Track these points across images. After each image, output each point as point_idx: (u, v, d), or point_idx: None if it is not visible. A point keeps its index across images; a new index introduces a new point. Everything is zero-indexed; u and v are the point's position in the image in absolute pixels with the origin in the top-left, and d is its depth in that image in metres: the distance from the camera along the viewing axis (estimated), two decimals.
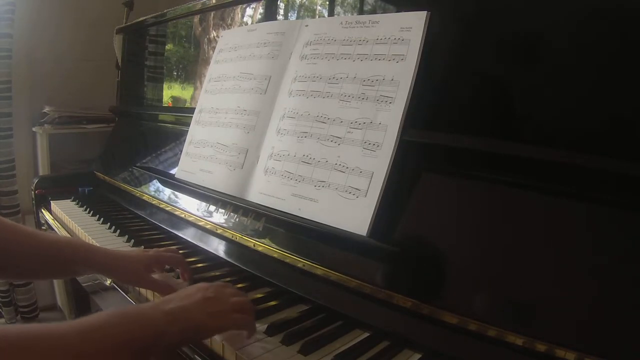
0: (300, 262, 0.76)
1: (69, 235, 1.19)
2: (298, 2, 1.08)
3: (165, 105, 1.54)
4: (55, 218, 1.34)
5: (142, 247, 1.00)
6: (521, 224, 0.60)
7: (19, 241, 0.72)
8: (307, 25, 0.92)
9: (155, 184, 1.23)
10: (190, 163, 1.08)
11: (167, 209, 1.13)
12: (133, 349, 0.52)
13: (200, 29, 1.38)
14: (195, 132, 1.10)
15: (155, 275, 0.82)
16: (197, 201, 1.04)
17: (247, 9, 1.19)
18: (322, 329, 0.67)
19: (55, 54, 2.04)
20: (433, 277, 0.64)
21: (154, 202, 1.19)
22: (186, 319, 0.57)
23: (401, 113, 0.72)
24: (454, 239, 0.65)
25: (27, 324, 0.48)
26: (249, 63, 1.01)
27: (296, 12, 1.08)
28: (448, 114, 0.73)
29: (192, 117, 1.12)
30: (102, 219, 1.21)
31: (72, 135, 2.03)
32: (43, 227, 1.41)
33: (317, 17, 1.01)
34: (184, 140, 1.12)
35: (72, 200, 1.42)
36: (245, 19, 1.21)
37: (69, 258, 0.76)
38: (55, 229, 1.28)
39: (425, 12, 0.73)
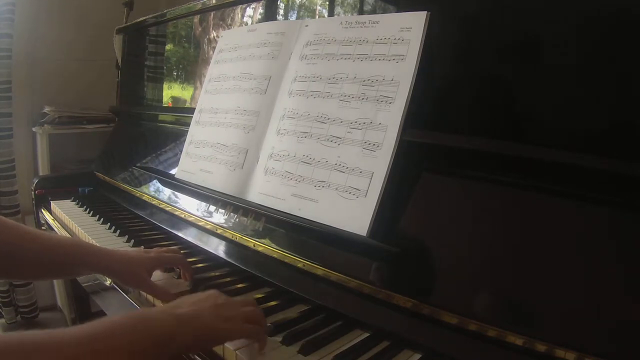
0: (300, 262, 0.76)
1: (69, 236, 1.19)
2: (298, 2, 1.08)
3: (165, 105, 1.54)
4: (55, 218, 1.34)
5: (142, 247, 1.00)
6: (521, 224, 0.60)
7: (21, 242, 0.72)
8: (307, 26, 0.92)
9: (155, 184, 1.23)
10: (190, 163, 1.08)
11: (167, 209, 1.13)
12: (144, 354, 0.50)
13: (200, 29, 1.38)
14: (195, 132, 1.10)
15: (157, 276, 0.82)
16: (197, 201, 1.04)
17: (247, 9, 1.19)
18: (322, 329, 0.67)
19: (55, 54, 2.04)
20: (433, 277, 0.64)
21: (154, 202, 1.19)
22: (197, 322, 0.55)
23: (401, 113, 0.72)
24: (454, 239, 0.65)
25: (30, 331, 0.46)
26: (249, 63, 1.01)
27: (296, 12, 1.08)
28: (448, 114, 0.73)
29: (192, 117, 1.12)
30: (102, 219, 1.21)
31: (72, 136, 2.03)
32: (43, 227, 1.41)
33: (317, 17, 1.01)
34: (184, 141, 1.12)
35: (72, 201, 1.42)
36: (245, 19, 1.21)
37: (70, 259, 0.76)
38: (55, 229, 1.28)
39: (425, 12, 0.73)
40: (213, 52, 1.15)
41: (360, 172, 0.74)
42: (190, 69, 1.47)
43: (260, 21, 1.14)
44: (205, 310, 0.57)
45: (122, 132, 1.68)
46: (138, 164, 1.34)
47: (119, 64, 1.73)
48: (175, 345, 0.53)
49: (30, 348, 0.44)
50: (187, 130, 1.12)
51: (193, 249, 0.98)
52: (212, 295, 0.61)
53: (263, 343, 0.61)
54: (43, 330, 0.46)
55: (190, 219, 1.03)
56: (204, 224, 0.99)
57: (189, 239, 1.00)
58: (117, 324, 0.51)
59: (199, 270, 0.88)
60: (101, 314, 1.45)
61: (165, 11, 1.47)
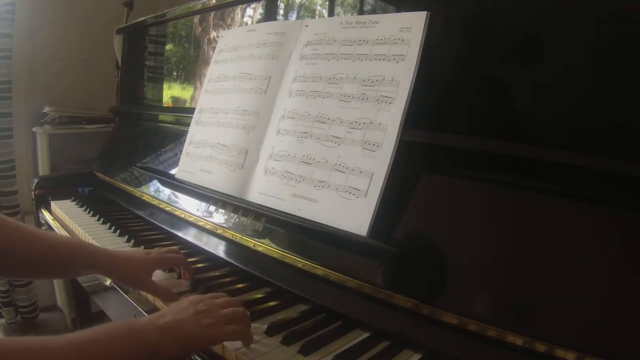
0: (300, 262, 0.76)
1: (69, 236, 1.19)
2: (298, 2, 1.08)
3: (165, 105, 1.54)
4: (55, 218, 1.34)
5: (142, 247, 1.00)
6: (521, 224, 0.61)
7: (21, 242, 0.72)
8: (307, 26, 0.92)
9: (155, 184, 1.23)
10: (190, 163, 1.08)
11: (167, 209, 1.13)
12: None
13: (200, 29, 1.38)
14: (195, 132, 1.10)
15: (157, 276, 0.82)
16: (197, 201, 1.04)
17: (247, 9, 1.19)
18: (322, 329, 0.67)
19: (55, 54, 2.04)
20: (433, 277, 0.64)
21: (154, 202, 1.19)
22: (180, 331, 0.58)
23: (401, 113, 0.72)
24: (454, 239, 0.65)
25: (23, 337, 0.48)
26: (249, 63, 1.01)
27: (296, 12, 1.08)
28: (448, 114, 0.73)
29: (192, 117, 1.12)
30: (102, 219, 1.21)
31: (72, 136, 2.03)
32: (43, 227, 1.41)
33: (317, 17, 1.01)
34: (184, 141, 1.12)
35: (72, 201, 1.42)
36: (245, 19, 1.21)
37: (70, 259, 0.76)
38: (55, 229, 1.28)
39: (425, 12, 0.73)
40: (213, 52, 1.15)
41: (360, 172, 0.74)
42: (190, 69, 1.47)
43: (260, 21, 1.14)
44: (186, 319, 0.59)
45: (122, 132, 1.68)
46: (138, 164, 1.34)
47: (119, 64, 1.73)
48: (160, 354, 0.55)
49: (21, 355, 0.46)
50: (187, 130, 1.12)
51: (193, 249, 0.98)
52: (193, 302, 0.63)
53: (247, 341, 0.62)
54: (35, 337, 0.48)
55: (190, 219, 1.03)
56: (204, 224, 0.99)
57: (189, 239, 1.00)
58: (107, 332, 0.54)
59: (199, 270, 0.88)
60: (101, 314, 1.45)
61: (165, 11, 1.47)
